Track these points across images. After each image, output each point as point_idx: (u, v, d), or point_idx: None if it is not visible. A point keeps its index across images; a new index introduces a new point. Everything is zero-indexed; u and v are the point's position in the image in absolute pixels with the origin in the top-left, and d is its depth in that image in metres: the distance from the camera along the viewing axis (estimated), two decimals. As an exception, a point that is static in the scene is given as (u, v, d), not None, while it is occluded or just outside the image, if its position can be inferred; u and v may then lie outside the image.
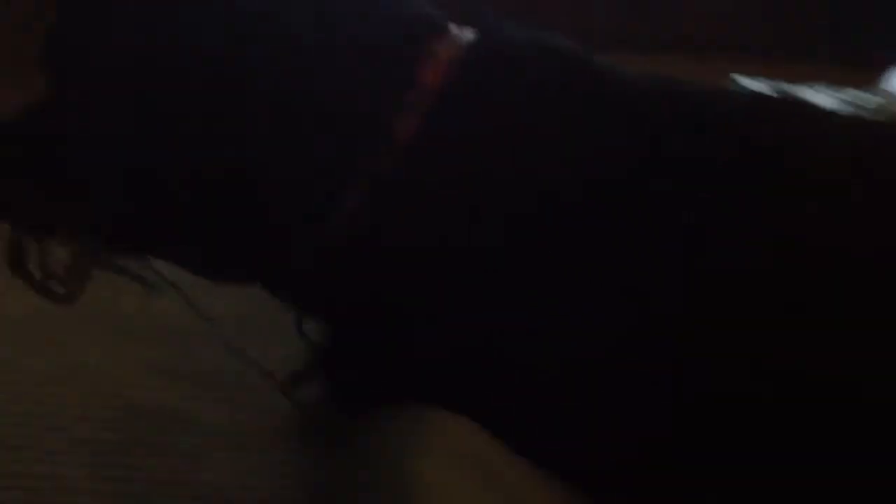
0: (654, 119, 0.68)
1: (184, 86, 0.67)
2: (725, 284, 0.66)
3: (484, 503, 0.65)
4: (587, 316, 0.66)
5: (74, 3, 0.72)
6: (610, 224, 0.66)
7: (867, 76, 1.59)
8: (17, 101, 0.73)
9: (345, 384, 0.75)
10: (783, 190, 0.68)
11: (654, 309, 0.66)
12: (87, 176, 0.71)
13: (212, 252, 0.73)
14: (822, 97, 1.42)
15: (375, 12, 0.69)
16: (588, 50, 0.71)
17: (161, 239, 0.74)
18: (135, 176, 0.70)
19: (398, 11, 0.70)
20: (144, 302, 0.81)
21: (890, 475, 0.64)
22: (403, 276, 0.68)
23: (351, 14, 0.69)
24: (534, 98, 0.67)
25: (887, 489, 0.64)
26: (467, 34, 0.70)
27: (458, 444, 0.66)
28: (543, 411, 0.68)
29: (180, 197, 0.70)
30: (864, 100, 1.44)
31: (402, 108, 0.66)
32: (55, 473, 1.02)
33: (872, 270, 0.65)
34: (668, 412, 0.66)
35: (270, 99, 0.66)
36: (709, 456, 0.67)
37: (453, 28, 0.71)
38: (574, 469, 0.68)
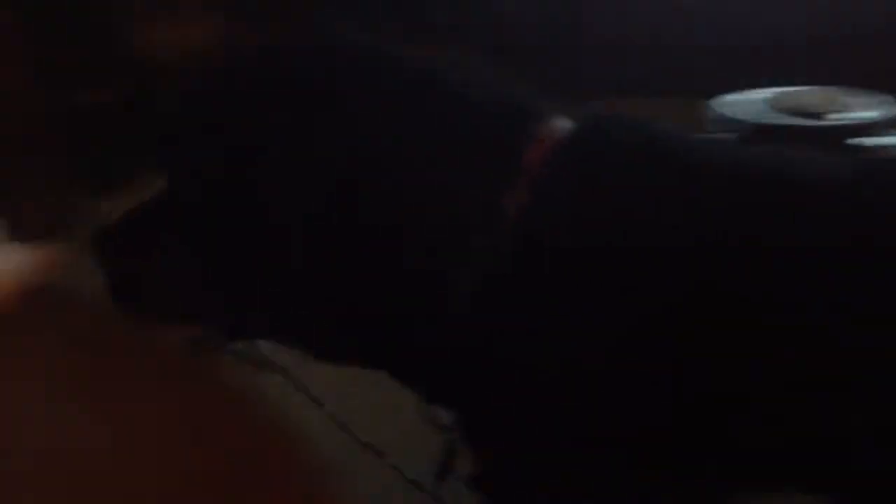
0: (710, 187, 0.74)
1: (306, 183, 0.74)
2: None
3: None
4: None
5: (188, 106, 0.78)
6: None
7: None
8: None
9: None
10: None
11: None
12: (202, 264, 0.79)
13: (341, 334, 0.79)
14: None
15: (486, 107, 0.77)
16: (673, 128, 0.80)
17: (282, 321, 0.80)
18: (249, 261, 0.77)
19: (504, 105, 0.77)
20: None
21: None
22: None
23: (467, 108, 0.77)
24: (617, 175, 0.75)
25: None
26: (565, 119, 0.77)
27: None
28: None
29: (297, 285, 0.76)
30: None
31: (511, 189, 0.73)
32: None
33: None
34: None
35: (399, 191, 0.74)
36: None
37: (552, 114, 0.77)
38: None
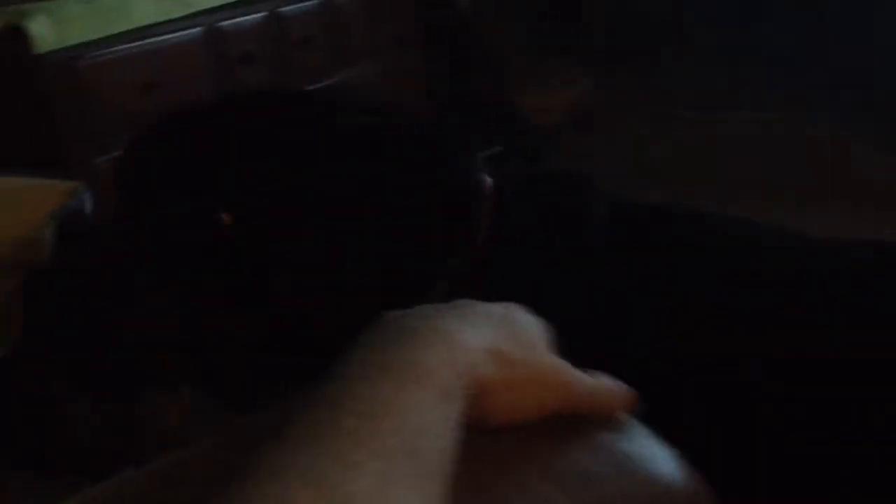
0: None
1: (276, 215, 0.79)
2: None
3: None
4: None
5: (147, 137, 0.85)
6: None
7: None
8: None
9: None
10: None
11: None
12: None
13: None
14: None
15: (450, 166, 0.89)
16: (583, 177, 0.93)
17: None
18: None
19: (465, 162, 0.90)
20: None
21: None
22: None
23: (440, 169, 0.88)
24: (539, 210, 0.88)
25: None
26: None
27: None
28: None
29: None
30: None
31: (475, 221, 0.85)
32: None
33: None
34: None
35: (391, 228, 0.82)
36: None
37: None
38: None
